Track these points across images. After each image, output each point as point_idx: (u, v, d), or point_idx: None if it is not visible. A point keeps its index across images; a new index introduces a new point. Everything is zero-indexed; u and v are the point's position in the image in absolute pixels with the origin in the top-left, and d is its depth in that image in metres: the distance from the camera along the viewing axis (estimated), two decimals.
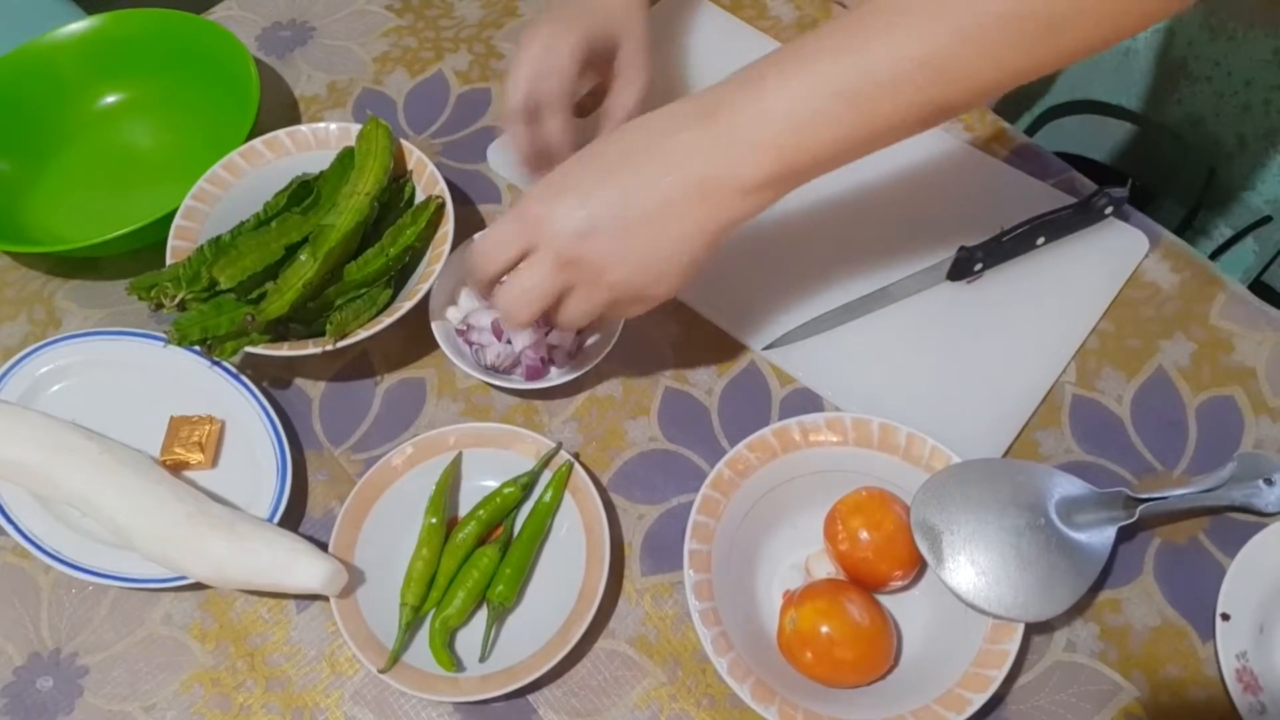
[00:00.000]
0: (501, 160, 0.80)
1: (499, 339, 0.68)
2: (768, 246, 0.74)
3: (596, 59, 0.69)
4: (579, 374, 0.67)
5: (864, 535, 0.58)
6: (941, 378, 0.68)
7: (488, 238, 0.58)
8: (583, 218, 0.54)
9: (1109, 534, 0.59)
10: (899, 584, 0.59)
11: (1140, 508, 0.60)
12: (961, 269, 0.70)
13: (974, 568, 0.57)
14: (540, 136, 0.70)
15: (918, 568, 0.59)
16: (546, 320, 0.61)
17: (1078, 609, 0.60)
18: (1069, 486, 0.61)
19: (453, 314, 0.70)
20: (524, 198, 0.57)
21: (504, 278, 0.59)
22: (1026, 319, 0.70)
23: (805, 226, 0.74)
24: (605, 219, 0.55)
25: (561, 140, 0.69)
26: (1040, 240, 0.71)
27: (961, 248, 0.70)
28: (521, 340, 0.67)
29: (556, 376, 0.67)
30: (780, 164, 0.53)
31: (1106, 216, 0.72)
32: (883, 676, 0.58)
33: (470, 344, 0.69)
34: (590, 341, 0.70)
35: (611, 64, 0.71)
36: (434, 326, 0.68)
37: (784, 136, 0.53)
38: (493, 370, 0.68)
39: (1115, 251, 0.73)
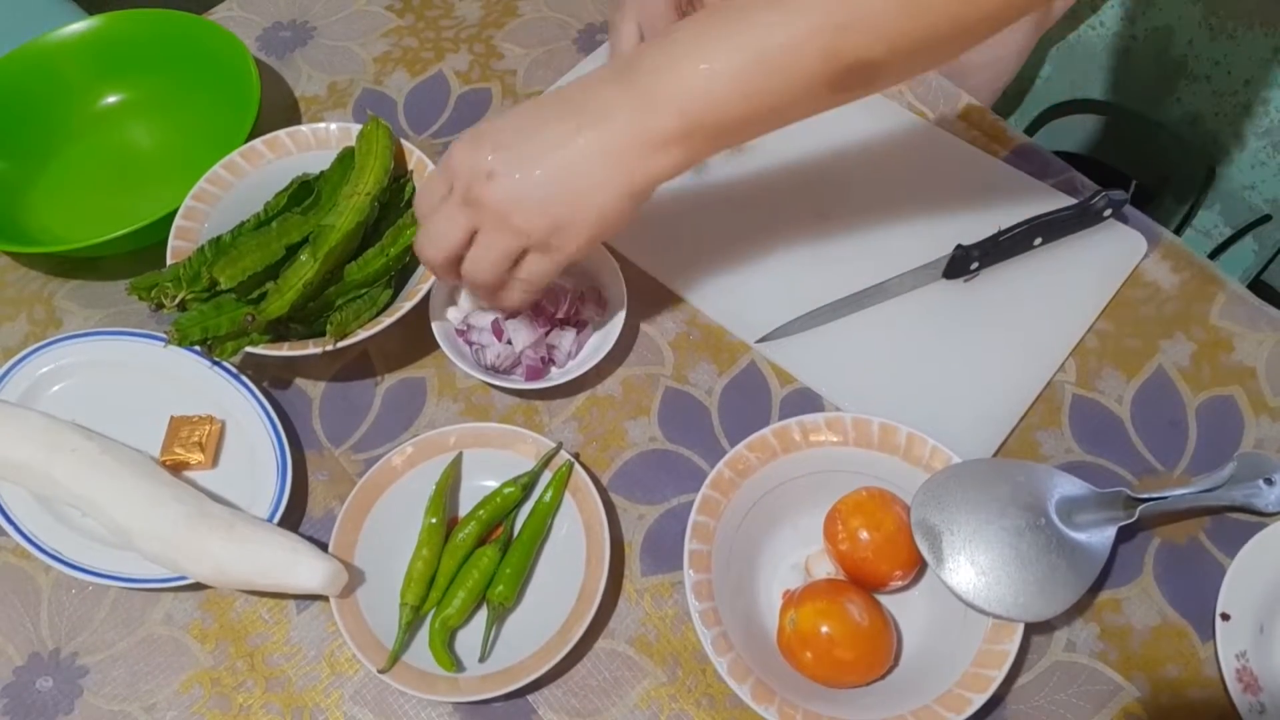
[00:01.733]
0: None
1: (499, 339, 0.68)
2: (763, 240, 0.74)
3: None
4: (579, 374, 0.67)
5: (864, 535, 0.58)
6: (934, 375, 0.68)
7: (421, 183, 0.60)
8: (490, 160, 0.55)
9: (1109, 534, 0.59)
10: (899, 584, 0.59)
11: (1140, 508, 0.59)
12: (958, 267, 0.70)
13: (974, 568, 0.57)
14: None
15: (918, 568, 0.59)
16: (541, 314, 0.62)
17: (1078, 609, 0.60)
18: (1069, 486, 0.61)
19: (453, 314, 0.70)
20: (450, 146, 0.58)
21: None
22: (1022, 319, 0.70)
23: (801, 221, 0.74)
24: (512, 163, 0.55)
25: None
26: (1038, 241, 0.71)
27: (958, 246, 0.70)
28: (522, 340, 0.67)
29: (556, 376, 0.67)
30: (686, 121, 0.54)
31: (1106, 219, 0.72)
32: (883, 676, 0.57)
33: (470, 344, 0.69)
34: (590, 341, 0.70)
35: None
36: (434, 327, 0.68)
37: (694, 96, 0.53)
38: (493, 370, 0.68)
39: (1113, 253, 0.73)
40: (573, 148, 0.54)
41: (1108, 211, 0.72)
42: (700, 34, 0.53)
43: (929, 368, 0.68)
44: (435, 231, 0.58)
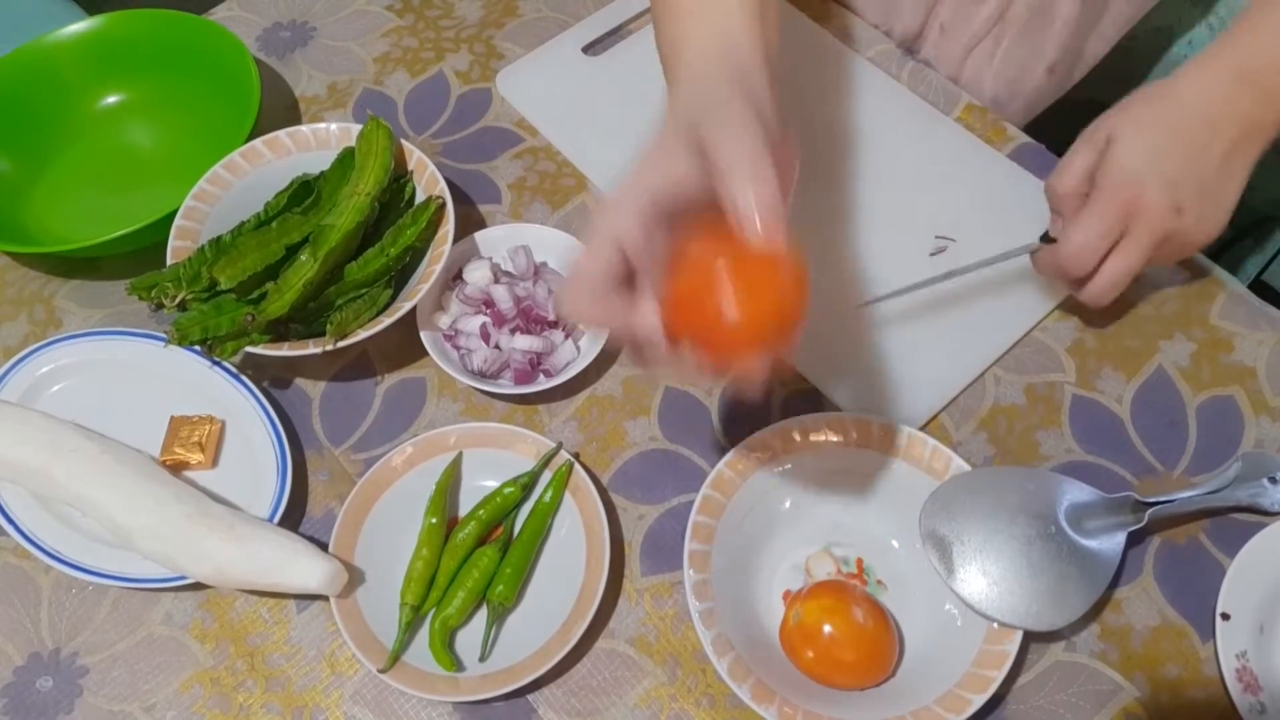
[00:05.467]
0: (511, 88, 0.82)
1: (486, 344, 0.68)
2: None
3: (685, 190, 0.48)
4: (567, 378, 0.67)
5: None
6: (881, 340, 0.69)
7: (1088, 235, 0.61)
8: (1172, 193, 0.59)
9: (1119, 540, 0.59)
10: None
11: (1149, 511, 0.59)
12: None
13: (985, 578, 0.57)
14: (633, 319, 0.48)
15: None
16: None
17: None
18: (1077, 493, 0.61)
19: (441, 320, 0.70)
20: (1106, 188, 0.61)
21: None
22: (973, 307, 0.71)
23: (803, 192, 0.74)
24: (1190, 189, 0.60)
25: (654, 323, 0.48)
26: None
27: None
28: (510, 344, 0.67)
29: (545, 381, 0.67)
30: None
31: None
32: (880, 684, 0.57)
33: (458, 349, 0.68)
34: (580, 345, 0.70)
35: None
36: (423, 335, 0.67)
37: None
38: (480, 375, 0.67)
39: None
40: (1226, 152, 0.60)
41: None
42: None
43: (879, 328, 0.69)
44: (1129, 274, 0.62)
